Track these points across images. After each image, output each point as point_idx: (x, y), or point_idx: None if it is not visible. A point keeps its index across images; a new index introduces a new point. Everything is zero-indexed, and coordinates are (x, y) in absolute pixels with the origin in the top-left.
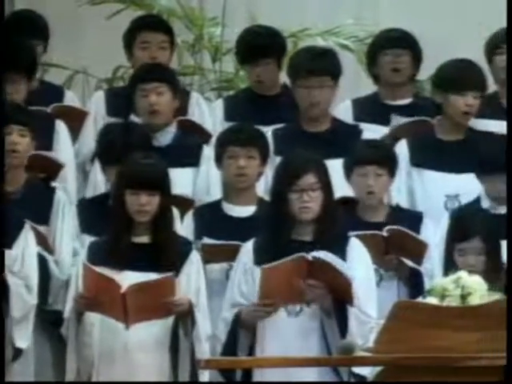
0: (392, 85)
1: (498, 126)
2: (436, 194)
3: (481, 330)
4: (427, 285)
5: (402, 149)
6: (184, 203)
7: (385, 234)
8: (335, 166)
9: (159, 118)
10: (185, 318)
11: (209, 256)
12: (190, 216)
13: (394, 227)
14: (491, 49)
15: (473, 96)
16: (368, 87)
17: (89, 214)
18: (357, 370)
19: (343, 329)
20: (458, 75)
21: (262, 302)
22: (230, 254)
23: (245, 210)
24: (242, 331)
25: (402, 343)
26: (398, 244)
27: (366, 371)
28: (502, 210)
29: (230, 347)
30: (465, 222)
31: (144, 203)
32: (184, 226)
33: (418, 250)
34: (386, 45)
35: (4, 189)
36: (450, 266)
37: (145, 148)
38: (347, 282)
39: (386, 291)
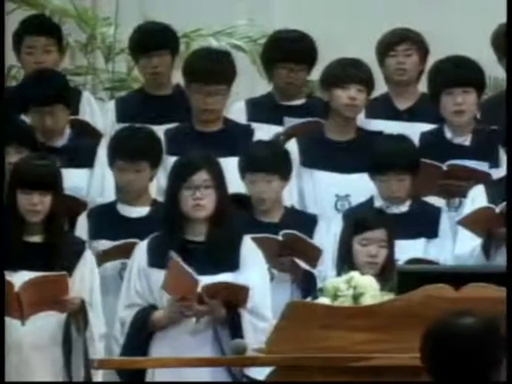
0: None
1: (392, 127)
2: (326, 194)
3: (373, 330)
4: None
5: (291, 149)
6: (76, 204)
7: (280, 237)
8: (228, 165)
9: (53, 135)
10: (77, 315)
11: (104, 259)
12: (84, 217)
13: (290, 231)
14: (383, 50)
15: (355, 89)
16: (262, 87)
17: None
18: (252, 373)
19: (237, 336)
20: (339, 70)
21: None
22: (124, 252)
23: (139, 211)
24: (142, 333)
25: (295, 343)
26: (292, 247)
27: (261, 376)
28: (395, 209)
29: (133, 347)
30: (369, 214)
31: (36, 203)
32: (78, 227)
33: (312, 255)
34: (282, 58)
35: None
36: (344, 266)
37: (29, 145)
38: (244, 291)
39: (279, 291)
